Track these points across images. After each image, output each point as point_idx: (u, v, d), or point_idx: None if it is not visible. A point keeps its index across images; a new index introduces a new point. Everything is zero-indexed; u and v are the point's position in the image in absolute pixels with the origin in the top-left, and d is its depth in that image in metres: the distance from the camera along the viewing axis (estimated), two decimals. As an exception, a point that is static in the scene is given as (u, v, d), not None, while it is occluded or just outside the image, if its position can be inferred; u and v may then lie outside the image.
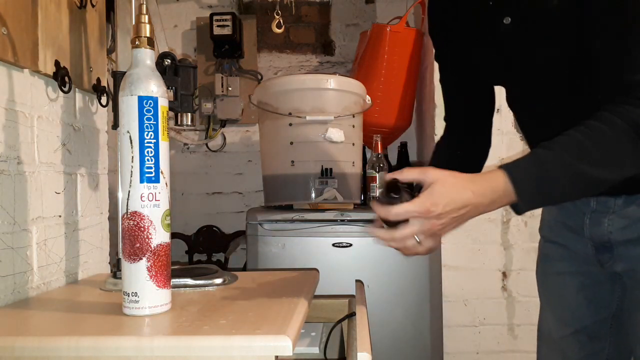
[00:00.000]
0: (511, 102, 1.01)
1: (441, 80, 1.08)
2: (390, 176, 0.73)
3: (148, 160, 0.66)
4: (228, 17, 2.23)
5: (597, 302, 0.94)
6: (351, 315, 0.91)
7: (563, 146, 0.72)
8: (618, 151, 0.71)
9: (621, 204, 0.84)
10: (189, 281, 0.83)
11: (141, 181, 0.66)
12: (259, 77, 2.38)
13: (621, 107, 0.71)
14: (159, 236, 0.67)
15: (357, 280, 1.11)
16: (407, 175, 0.73)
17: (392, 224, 0.73)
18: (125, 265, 0.67)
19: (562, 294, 0.98)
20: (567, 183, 0.72)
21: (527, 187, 0.71)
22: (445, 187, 0.70)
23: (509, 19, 0.85)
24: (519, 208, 0.72)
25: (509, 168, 0.71)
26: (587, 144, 0.71)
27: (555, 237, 0.99)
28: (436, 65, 1.73)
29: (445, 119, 1.10)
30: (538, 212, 1.71)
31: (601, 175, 0.72)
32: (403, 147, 2.12)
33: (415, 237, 0.71)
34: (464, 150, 1.05)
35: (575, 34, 0.78)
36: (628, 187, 0.82)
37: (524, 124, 1.00)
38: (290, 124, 1.68)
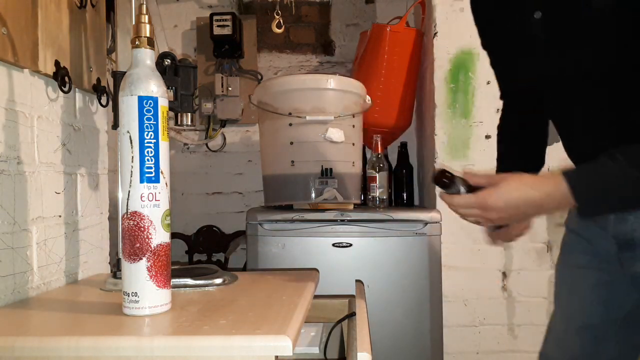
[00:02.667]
0: (549, 107, 0.96)
1: (491, 64, 1.07)
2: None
3: (148, 160, 0.66)
4: (228, 17, 2.23)
5: (611, 302, 0.92)
6: (351, 315, 0.90)
7: (626, 156, 0.72)
8: None
9: None
10: (189, 281, 0.83)
11: (141, 181, 0.66)
12: (259, 77, 2.38)
13: None
14: (159, 236, 0.67)
15: (357, 280, 1.12)
16: (475, 180, 0.79)
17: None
18: (125, 265, 0.67)
19: (576, 287, 0.96)
20: (629, 193, 0.73)
21: (586, 196, 0.73)
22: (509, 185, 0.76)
23: (540, 13, 0.80)
24: (581, 213, 0.77)
25: (569, 174, 0.74)
26: None
27: (581, 229, 0.97)
28: (436, 65, 1.77)
29: (501, 98, 1.10)
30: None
31: None
32: (403, 147, 2.13)
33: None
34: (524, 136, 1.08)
35: (615, 38, 0.74)
36: None
37: (560, 125, 0.95)
38: (290, 124, 1.68)
